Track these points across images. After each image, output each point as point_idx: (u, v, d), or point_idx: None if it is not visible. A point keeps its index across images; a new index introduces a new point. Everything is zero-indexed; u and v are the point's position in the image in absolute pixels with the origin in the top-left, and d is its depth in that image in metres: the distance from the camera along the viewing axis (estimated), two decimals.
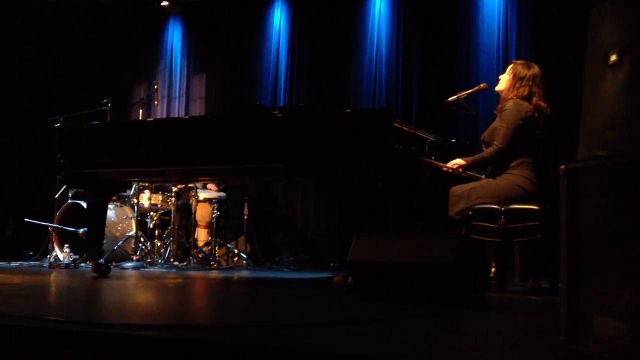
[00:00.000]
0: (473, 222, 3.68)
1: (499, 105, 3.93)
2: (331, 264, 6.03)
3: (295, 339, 1.85)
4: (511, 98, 3.83)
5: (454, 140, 4.54)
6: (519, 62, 4.01)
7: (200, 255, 6.37)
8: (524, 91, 3.82)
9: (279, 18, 7.71)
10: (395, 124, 3.69)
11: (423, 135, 4.06)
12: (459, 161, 3.96)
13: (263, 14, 7.86)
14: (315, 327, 2.14)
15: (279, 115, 3.91)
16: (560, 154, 4.70)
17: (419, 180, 4.09)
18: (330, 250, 6.56)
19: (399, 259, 2.93)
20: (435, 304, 2.75)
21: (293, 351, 1.63)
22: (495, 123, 3.90)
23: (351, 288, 3.28)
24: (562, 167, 1.71)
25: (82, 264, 6.06)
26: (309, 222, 7.14)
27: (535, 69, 3.90)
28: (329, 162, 3.65)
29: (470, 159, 3.96)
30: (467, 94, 4.31)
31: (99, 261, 4.71)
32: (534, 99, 3.81)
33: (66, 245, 6.21)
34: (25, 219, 6.68)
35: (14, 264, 6.36)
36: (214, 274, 5.49)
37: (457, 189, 3.83)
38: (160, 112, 8.25)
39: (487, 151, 3.85)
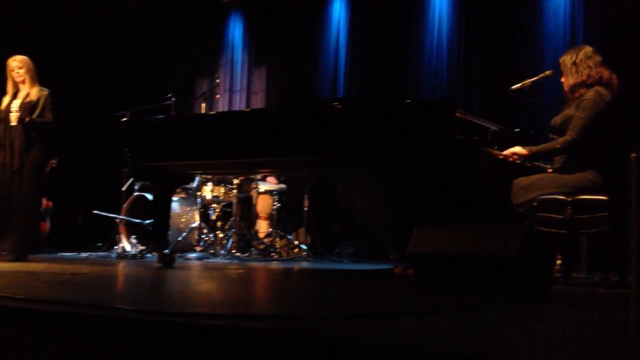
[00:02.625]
0: (538, 214, 3.59)
1: (575, 94, 3.76)
2: (391, 256, 6.01)
3: (354, 329, 1.85)
4: (580, 82, 3.70)
5: (517, 130, 4.43)
6: (562, 56, 3.90)
7: (261, 247, 6.45)
8: (584, 72, 3.69)
9: (338, 9, 7.70)
10: (457, 114, 3.63)
11: (485, 124, 3.98)
12: (518, 149, 3.83)
13: (323, 5, 7.86)
14: (376, 319, 2.14)
15: (339, 106, 3.90)
16: (630, 142, 4.53)
17: (481, 170, 4.01)
18: (390, 242, 6.53)
19: (461, 251, 2.89)
20: (498, 297, 2.70)
21: (353, 342, 1.63)
22: (570, 110, 3.74)
23: (412, 280, 3.26)
24: (633, 155, 1.65)
25: (148, 255, 6.21)
26: (369, 213, 7.12)
27: (582, 49, 3.78)
28: (389, 153, 3.62)
29: (535, 148, 3.82)
30: (532, 82, 4.18)
31: (164, 252, 4.83)
32: (604, 76, 3.68)
33: (133, 236, 6.38)
34: (94, 211, 6.90)
35: (83, 254, 6.57)
36: (275, 265, 5.55)
37: (522, 181, 3.74)
38: (222, 106, 8.38)
39: (558, 141, 3.68)
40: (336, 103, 3.97)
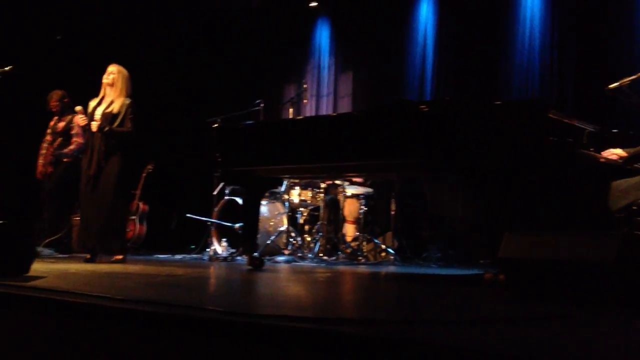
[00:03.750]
0: (638, 218, 3.41)
1: None
2: (481, 261, 5.87)
3: (443, 335, 1.82)
4: None
5: (615, 131, 4.23)
6: None
7: (348, 250, 6.46)
8: None
9: (425, 11, 7.62)
10: (550, 115, 3.51)
11: (580, 125, 3.83)
12: (619, 151, 3.67)
13: (410, 8, 7.81)
14: (465, 325, 2.09)
15: (426, 109, 3.86)
16: None
17: (576, 173, 3.86)
18: (479, 247, 6.38)
19: (555, 256, 2.78)
20: (595, 304, 2.58)
21: (441, 348, 1.60)
22: None
23: (503, 286, 3.17)
24: None
25: (239, 257, 6.35)
26: (457, 217, 6.98)
27: None
28: (478, 156, 3.55)
29: (632, 150, 3.66)
30: (631, 80, 3.99)
31: (253, 255, 4.92)
32: None
33: (224, 239, 6.55)
34: (187, 215, 7.13)
35: (177, 256, 6.80)
36: (362, 268, 5.54)
37: (621, 184, 3.56)
38: (309, 110, 8.46)
39: None
40: (423, 106, 3.93)
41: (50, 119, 6.67)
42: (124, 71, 5.55)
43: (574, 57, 6.32)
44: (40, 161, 6.53)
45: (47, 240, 6.25)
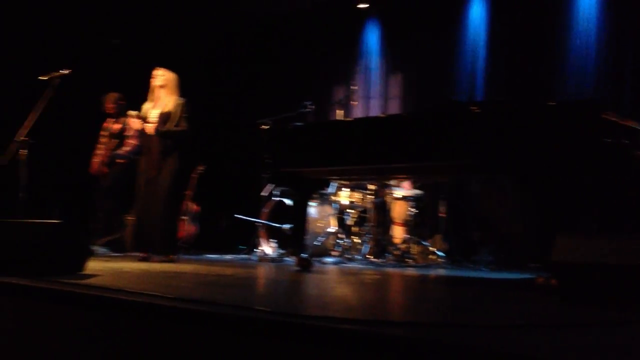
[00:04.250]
0: None
1: None
2: (532, 265, 5.76)
3: (492, 340, 1.80)
4: None
5: None
6: None
7: (396, 253, 6.42)
8: None
9: (476, 11, 7.52)
10: (604, 115, 3.42)
11: (636, 126, 3.72)
12: None
13: (461, 8, 7.72)
14: (515, 330, 2.06)
15: (477, 110, 3.81)
16: None
17: (631, 175, 3.75)
18: (531, 250, 6.26)
19: (609, 260, 2.71)
20: None
21: (489, 353, 1.58)
22: None
23: (555, 290, 3.10)
24: None
25: (287, 258, 6.39)
26: (508, 220, 6.87)
27: None
28: (530, 158, 3.48)
29: None
30: None
31: (302, 256, 4.94)
32: None
33: (273, 240, 6.60)
34: (237, 216, 7.20)
35: (227, 257, 6.89)
36: (410, 271, 5.50)
37: None
38: (358, 112, 8.45)
39: None
40: (475, 107, 3.88)
41: (106, 121, 6.85)
42: (171, 73, 5.67)
43: (630, 57, 6.14)
44: (96, 162, 6.71)
45: (103, 240, 6.42)
